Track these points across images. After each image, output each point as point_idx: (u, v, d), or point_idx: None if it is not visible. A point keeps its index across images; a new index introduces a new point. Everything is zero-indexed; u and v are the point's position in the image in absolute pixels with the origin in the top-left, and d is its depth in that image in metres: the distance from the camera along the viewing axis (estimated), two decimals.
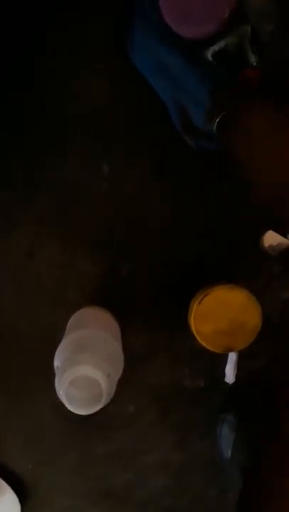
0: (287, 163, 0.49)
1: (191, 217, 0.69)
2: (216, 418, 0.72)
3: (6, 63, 0.64)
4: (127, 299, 0.70)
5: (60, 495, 0.75)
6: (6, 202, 0.68)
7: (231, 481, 0.71)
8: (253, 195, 0.55)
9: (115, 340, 0.59)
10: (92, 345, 0.55)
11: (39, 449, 0.74)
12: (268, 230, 0.68)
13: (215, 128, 0.55)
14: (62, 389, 0.52)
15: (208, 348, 0.63)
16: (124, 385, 0.58)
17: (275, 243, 0.68)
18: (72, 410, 0.53)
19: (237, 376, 0.71)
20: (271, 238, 0.68)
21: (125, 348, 0.60)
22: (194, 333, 0.62)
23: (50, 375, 0.55)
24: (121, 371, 0.57)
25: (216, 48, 0.54)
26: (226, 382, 0.72)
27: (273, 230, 0.67)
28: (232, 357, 0.70)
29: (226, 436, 0.70)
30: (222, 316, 0.62)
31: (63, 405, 0.53)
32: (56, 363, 0.55)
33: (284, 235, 0.67)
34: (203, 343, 0.63)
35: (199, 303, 0.62)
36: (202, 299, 0.62)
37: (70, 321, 0.65)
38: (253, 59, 0.54)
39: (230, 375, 0.71)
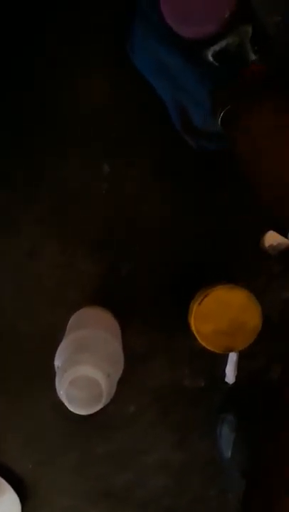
0: (288, 163, 0.49)
1: (191, 217, 0.70)
2: (216, 418, 0.72)
3: (6, 63, 0.64)
4: (126, 299, 0.70)
5: (60, 495, 0.75)
6: (6, 202, 0.68)
7: (231, 481, 0.71)
8: (253, 195, 0.55)
9: (115, 341, 0.59)
10: (92, 345, 0.55)
11: (39, 449, 0.74)
12: (268, 229, 0.68)
13: (219, 123, 0.55)
14: (63, 389, 0.52)
15: (209, 348, 0.63)
16: (124, 385, 0.58)
17: (275, 243, 0.68)
18: (72, 410, 0.53)
19: (237, 376, 0.71)
20: (272, 238, 0.68)
21: (125, 348, 0.60)
22: (195, 333, 0.62)
23: (50, 375, 0.55)
24: (121, 371, 0.57)
25: (216, 48, 0.53)
26: (226, 382, 0.72)
27: (273, 230, 0.67)
28: (232, 357, 0.70)
29: (226, 437, 0.70)
30: (222, 316, 0.62)
31: (63, 405, 0.53)
32: (57, 362, 0.55)
33: (284, 235, 0.67)
34: (204, 344, 0.63)
35: (199, 303, 0.62)
36: (202, 299, 0.62)
37: (70, 321, 0.65)
38: (253, 59, 0.54)
39: (230, 375, 0.71)
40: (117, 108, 0.67)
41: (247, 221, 0.69)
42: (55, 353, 0.57)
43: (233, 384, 0.71)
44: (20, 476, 0.74)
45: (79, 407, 0.53)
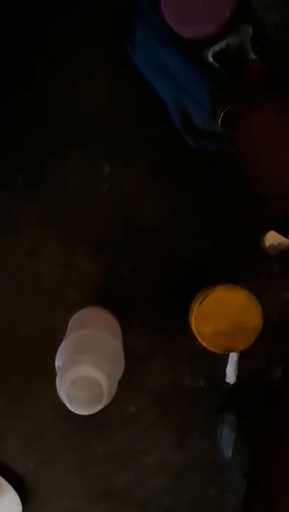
0: (288, 163, 0.49)
1: (191, 217, 0.70)
2: (217, 418, 0.72)
3: (6, 63, 0.64)
4: (126, 299, 0.70)
5: (60, 495, 0.75)
6: (6, 202, 0.68)
7: (232, 481, 0.71)
8: (253, 195, 0.55)
9: (116, 340, 0.59)
10: (92, 345, 0.55)
11: (39, 449, 0.74)
12: (269, 229, 0.68)
13: (219, 123, 0.55)
14: (64, 389, 0.52)
15: (209, 348, 0.63)
16: (124, 385, 0.58)
17: (276, 243, 0.68)
18: (73, 410, 0.53)
19: (238, 376, 0.71)
20: (272, 238, 0.68)
21: (125, 348, 0.60)
22: (195, 333, 0.62)
23: (50, 375, 0.55)
24: (122, 371, 0.57)
25: (216, 48, 0.53)
26: (227, 383, 0.72)
27: (274, 230, 0.68)
28: (233, 357, 0.70)
29: (227, 437, 0.70)
30: (223, 316, 0.62)
31: (63, 405, 0.53)
32: (57, 363, 0.55)
33: (284, 235, 0.67)
34: (204, 344, 0.63)
35: (200, 303, 0.62)
36: (203, 299, 0.62)
37: (71, 321, 0.65)
38: (254, 59, 0.54)
39: (231, 375, 0.71)
40: (117, 108, 0.67)
41: (247, 221, 0.69)
42: (55, 353, 0.57)
43: (233, 384, 0.71)
44: (21, 477, 0.74)
45: (80, 407, 0.53)
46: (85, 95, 0.66)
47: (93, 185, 0.68)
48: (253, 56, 0.53)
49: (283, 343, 0.70)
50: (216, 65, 0.55)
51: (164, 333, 0.71)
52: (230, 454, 0.69)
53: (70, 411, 0.53)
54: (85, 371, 0.51)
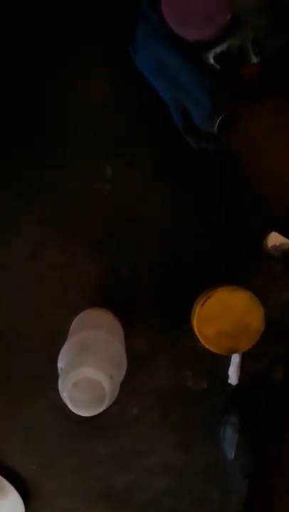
0: (288, 163, 0.49)
1: (191, 217, 0.69)
2: (219, 420, 0.72)
3: (6, 63, 0.64)
4: (127, 299, 0.70)
5: (61, 496, 0.75)
6: (6, 202, 0.67)
7: (234, 482, 0.71)
8: (253, 195, 0.55)
9: (118, 342, 0.58)
10: (94, 347, 0.55)
11: (39, 449, 0.73)
12: (271, 230, 0.68)
13: (216, 129, 0.55)
14: (66, 391, 0.52)
15: (212, 350, 0.63)
16: (126, 386, 0.58)
17: (278, 243, 0.68)
18: (75, 412, 0.53)
19: (240, 378, 0.71)
20: (275, 238, 0.68)
21: (127, 349, 0.60)
22: (197, 335, 0.62)
23: (50, 375, 0.55)
24: (124, 372, 0.57)
25: (217, 50, 0.53)
26: (229, 384, 0.72)
27: (274, 230, 0.68)
28: (235, 358, 0.70)
29: (230, 438, 0.70)
30: (225, 317, 0.62)
31: (64, 405, 0.53)
32: (60, 364, 0.55)
33: (285, 235, 0.67)
34: (207, 345, 0.62)
35: (202, 305, 0.62)
36: (205, 301, 0.62)
37: (73, 323, 0.65)
38: (255, 61, 0.54)
39: (233, 376, 0.71)
40: (117, 108, 0.67)
41: (247, 221, 0.69)
42: (55, 353, 0.57)
43: (236, 385, 0.71)
44: (22, 478, 0.74)
45: (82, 409, 0.53)
46: (85, 95, 0.66)
47: (93, 185, 0.68)
48: (254, 58, 0.53)
49: (285, 344, 0.70)
50: (217, 66, 0.55)
51: (165, 333, 0.71)
52: (232, 455, 0.69)
53: (71, 411, 0.53)
54: (87, 373, 0.51)
